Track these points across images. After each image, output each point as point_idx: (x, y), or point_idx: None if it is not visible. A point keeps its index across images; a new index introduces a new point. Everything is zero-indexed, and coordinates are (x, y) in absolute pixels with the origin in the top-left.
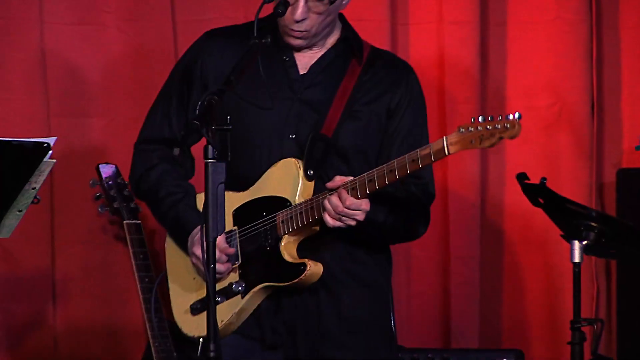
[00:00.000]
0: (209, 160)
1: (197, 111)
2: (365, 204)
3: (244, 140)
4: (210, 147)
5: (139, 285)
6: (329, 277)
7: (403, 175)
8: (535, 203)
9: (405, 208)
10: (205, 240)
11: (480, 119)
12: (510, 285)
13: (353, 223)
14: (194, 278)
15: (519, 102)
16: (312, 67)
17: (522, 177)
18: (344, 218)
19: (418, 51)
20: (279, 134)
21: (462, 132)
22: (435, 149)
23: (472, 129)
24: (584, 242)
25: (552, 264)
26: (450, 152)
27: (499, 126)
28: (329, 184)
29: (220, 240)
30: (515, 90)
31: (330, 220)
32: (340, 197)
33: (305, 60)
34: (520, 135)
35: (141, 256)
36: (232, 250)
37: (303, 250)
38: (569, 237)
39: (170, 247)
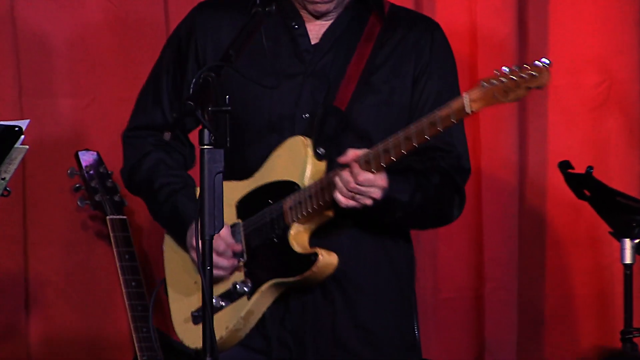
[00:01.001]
0: (205, 147)
1: (192, 90)
2: (381, 180)
3: (251, 126)
4: (206, 131)
5: (124, 291)
6: (345, 278)
7: (422, 141)
8: (581, 196)
9: (434, 185)
10: (201, 239)
11: (504, 69)
12: (553, 291)
13: (369, 202)
14: (195, 282)
15: (561, 80)
16: (325, 35)
17: (565, 166)
18: (357, 196)
19: (446, 21)
20: (290, 115)
21: (485, 86)
22: (455, 107)
23: (496, 82)
24: (636, 241)
25: (601, 266)
26: (473, 109)
27: (525, 75)
28: (341, 158)
29: (226, 233)
30: (558, 66)
31: (342, 199)
32: (351, 172)
33: (316, 29)
34: (563, 117)
35: (127, 257)
36: (239, 248)
37: (317, 241)
38: (618, 235)
39: (169, 248)
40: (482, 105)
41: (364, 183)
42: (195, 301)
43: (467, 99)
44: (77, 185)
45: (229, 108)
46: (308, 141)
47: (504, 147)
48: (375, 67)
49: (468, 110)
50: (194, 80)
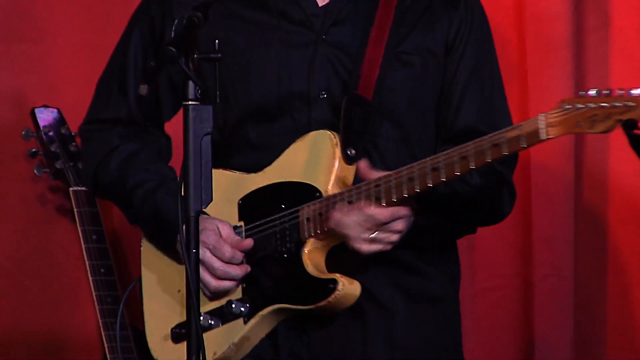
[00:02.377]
0: (190, 102)
1: (173, 33)
2: (404, 209)
3: (254, 98)
4: (190, 83)
5: (91, 279)
6: (378, 290)
7: (480, 165)
8: None
9: (474, 187)
10: (185, 216)
11: (592, 92)
12: (616, 281)
13: (395, 238)
14: (179, 291)
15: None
16: None
17: (630, 125)
18: (379, 237)
19: None
20: (303, 92)
21: (568, 108)
22: (527, 130)
23: (582, 106)
24: None
25: None
26: (549, 135)
27: (619, 104)
28: (361, 170)
29: (229, 231)
30: (619, 44)
31: (363, 247)
32: (367, 218)
33: None
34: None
35: (94, 237)
36: (248, 243)
37: (334, 259)
38: None
39: (148, 250)
40: (562, 132)
41: (386, 221)
42: (177, 315)
43: (544, 122)
44: (34, 150)
45: (219, 55)
46: (337, 139)
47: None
48: (401, 33)
49: (543, 136)
50: (176, 21)
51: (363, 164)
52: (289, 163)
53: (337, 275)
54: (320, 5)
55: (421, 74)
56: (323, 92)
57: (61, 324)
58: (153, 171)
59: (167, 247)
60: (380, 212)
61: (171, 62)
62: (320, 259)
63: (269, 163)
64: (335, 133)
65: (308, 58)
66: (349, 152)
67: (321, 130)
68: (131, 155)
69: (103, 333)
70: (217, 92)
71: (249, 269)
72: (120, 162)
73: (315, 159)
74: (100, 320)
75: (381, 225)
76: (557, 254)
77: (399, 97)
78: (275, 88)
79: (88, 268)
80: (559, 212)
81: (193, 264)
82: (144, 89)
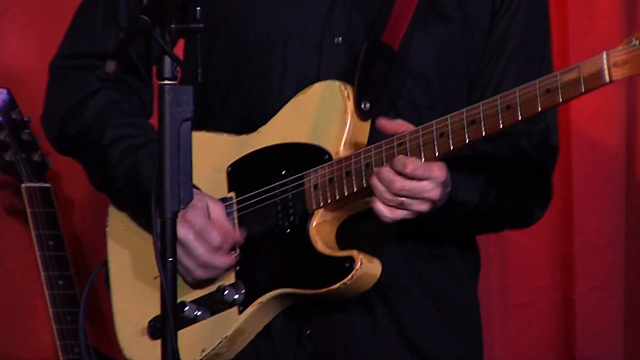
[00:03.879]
0: (166, 82)
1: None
2: (438, 169)
3: (252, 47)
4: (167, 59)
5: (47, 293)
6: (389, 284)
7: (528, 115)
8: None
9: (513, 178)
10: (160, 217)
11: None
12: None
13: (424, 207)
14: (156, 277)
15: None
16: None
17: None
18: (407, 201)
19: None
20: (316, 38)
21: (635, 44)
22: (587, 71)
23: None
24: None
25: None
26: (615, 77)
27: None
28: (383, 123)
29: (220, 213)
30: None
31: (384, 211)
32: (394, 164)
33: None
34: None
35: (51, 243)
36: (239, 238)
37: (344, 236)
38: None
39: (118, 225)
40: (630, 73)
41: (416, 174)
42: (154, 306)
43: (606, 61)
44: None
45: (201, 26)
46: (349, 90)
47: (603, 95)
48: None
49: (607, 77)
50: None
51: (399, 120)
52: (290, 121)
53: (354, 252)
54: None
55: (460, 34)
56: (339, 37)
57: (10, 346)
58: (139, 126)
59: (143, 216)
60: (412, 162)
61: (143, 33)
62: (331, 234)
63: (265, 121)
64: (346, 84)
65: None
66: (362, 106)
67: (329, 81)
68: (114, 103)
69: (60, 357)
70: (200, 70)
71: (234, 260)
72: (100, 109)
73: (322, 115)
74: (57, 343)
75: (410, 184)
76: (604, 263)
77: (430, 56)
78: (283, 26)
79: (44, 280)
80: (606, 213)
81: (169, 276)
82: (111, 66)
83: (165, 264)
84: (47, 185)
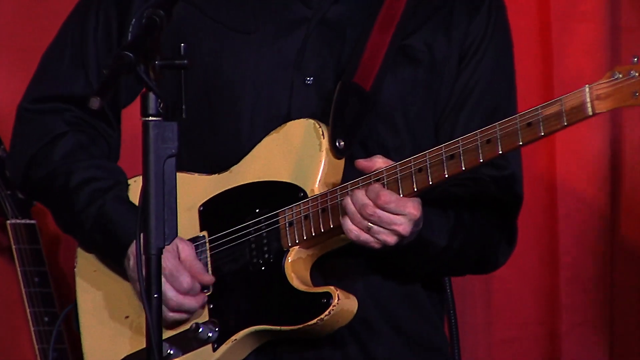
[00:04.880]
0: (150, 118)
1: (130, 35)
2: (412, 206)
3: (225, 90)
4: (151, 95)
5: (33, 329)
6: (361, 320)
7: (510, 149)
8: None
9: (480, 222)
10: (144, 254)
11: None
12: None
13: (391, 239)
14: (127, 317)
15: None
16: None
17: None
18: (376, 228)
19: None
20: (287, 80)
21: (618, 78)
22: (570, 104)
23: (636, 74)
24: None
25: None
26: (597, 110)
27: None
28: (362, 163)
29: (190, 254)
30: None
31: (353, 230)
32: (368, 192)
33: None
34: None
35: (37, 279)
36: (209, 279)
37: (315, 273)
38: None
39: (85, 266)
40: (612, 106)
41: (388, 207)
42: (125, 345)
43: (589, 95)
44: None
45: (185, 62)
46: (323, 128)
47: (587, 132)
48: (412, 26)
49: (589, 111)
50: (133, 20)
51: (378, 157)
52: (264, 159)
53: (331, 288)
54: None
55: (428, 76)
56: (310, 78)
57: None
58: (107, 169)
59: (113, 260)
60: (385, 194)
61: (128, 70)
62: (306, 271)
63: (237, 161)
64: (320, 122)
65: (300, 37)
66: (337, 144)
67: (303, 119)
68: (81, 146)
69: None
70: (184, 107)
71: (206, 299)
72: (67, 151)
73: (297, 153)
74: None
75: (381, 214)
76: (589, 299)
77: (398, 100)
78: (254, 66)
79: (29, 316)
80: (592, 247)
81: (155, 313)
82: (95, 102)
83: (151, 300)
84: (32, 221)
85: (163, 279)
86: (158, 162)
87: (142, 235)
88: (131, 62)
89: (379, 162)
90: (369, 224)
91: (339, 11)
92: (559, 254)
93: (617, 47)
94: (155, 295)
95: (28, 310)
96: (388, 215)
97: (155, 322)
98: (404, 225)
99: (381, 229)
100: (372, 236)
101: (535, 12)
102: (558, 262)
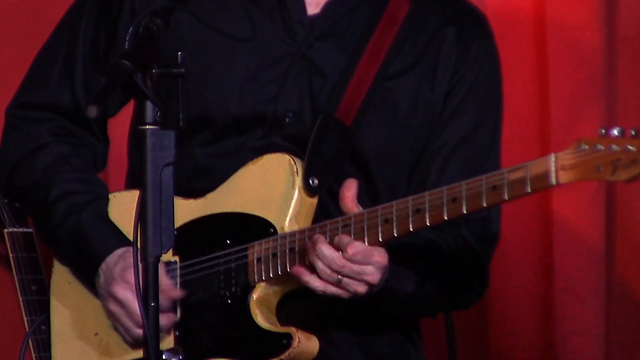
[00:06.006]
0: (148, 127)
1: (127, 44)
2: (379, 255)
3: (206, 115)
4: (149, 104)
5: (31, 339)
6: (336, 350)
7: (474, 210)
8: None
9: (450, 268)
10: (141, 262)
11: (615, 131)
12: None
13: (362, 289)
14: (96, 334)
15: None
16: (330, 6)
17: None
18: (346, 280)
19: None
20: (266, 112)
21: (584, 149)
22: (534, 172)
23: (602, 148)
24: None
25: None
26: (561, 181)
27: None
28: (347, 195)
29: (160, 271)
30: None
31: (319, 285)
32: (335, 244)
33: None
34: None
35: (34, 288)
36: (177, 294)
37: (285, 309)
38: None
39: (60, 279)
40: (576, 178)
41: (356, 258)
42: None
43: (554, 164)
44: None
45: (182, 70)
46: (298, 165)
47: None
48: (395, 68)
49: (553, 180)
50: (130, 29)
51: (350, 191)
52: (238, 190)
53: (292, 330)
54: (309, 14)
55: (406, 121)
56: (290, 114)
57: None
58: (86, 183)
59: (85, 277)
60: (353, 246)
61: (125, 78)
62: (271, 308)
63: (213, 189)
64: (296, 158)
65: (281, 73)
66: (311, 182)
67: (279, 154)
68: (63, 157)
69: None
70: (181, 115)
71: (175, 318)
72: (48, 163)
73: (270, 188)
74: None
75: (351, 265)
76: (585, 309)
77: (372, 142)
78: (235, 103)
79: (27, 325)
80: (587, 257)
81: (152, 319)
82: (93, 111)
83: (148, 309)
84: (30, 230)
85: (131, 295)
86: (155, 170)
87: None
88: (129, 70)
89: (353, 207)
90: (339, 276)
91: (323, 47)
92: (554, 263)
93: (615, 55)
94: (152, 304)
95: (25, 319)
96: (358, 266)
97: (153, 331)
98: (373, 275)
99: (351, 280)
100: (342, 288)
101: (531, 20)
102: (553, 271)
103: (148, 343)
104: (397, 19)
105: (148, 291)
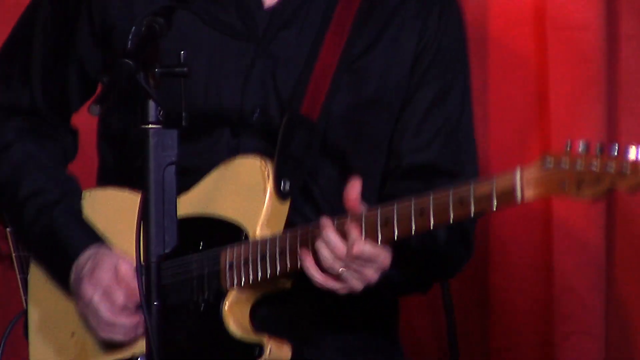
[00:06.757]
0: (151, 126)
1: (130, 43)
2: (385, 256)
3: (174, 110)
4: (151, 103)
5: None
6: (311, 348)
7: (441, 223)
8: None
9: (439, 246)
10: (144, 262)
11: (580, 147)
12: None
13: (359, 286)
14: (73, 333)
15: None
16: None
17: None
18: (346, 275)
19: None
20: (233, 109)
21: (549, 166)
22: (500, 187)
23: (566, 165)
24: None
25: None
26: (526, 197)
27: (612, 168)
28: (350, 201)
29: (128, 270)
30: None
31: (320, 278)
32: (347, 235)
33: None
34: None
35: None
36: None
37: (261, 312)
38: None
39: (38, 275)
40: (541, 194)
41: (362, 257)
42: None
43: (519, 180)
44: None
45: (185, 69)
46: (269, 168)
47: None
48: (359, 48)
49: (518, 196)
50: (133, 28)
51: (355, 191)
52: (210, 193)
53: (264, 339)
54: (266, 6)
55: (376, 100)
56: (257, 111)
57: None
58: (54, 179)
59: (59, 277)
60: (367, 244)
61: (127, 77)
62: (245, 313)
63: (186, 190)
64: (266, 161)
65: (243, 70)
66: (282, 187)
67: (250, 158)
68: (29, 156)
69: None
70: (184, 114)
71: (140, 321)
72: (15, 162)
73: (242, 193)
74: None
75: (356, 264)
76: (584, 308)
77: (343, 131)
78: (201, 102)
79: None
80: (587, 256)
81: (154, 320)
82: (95, 109)
83: (150, 308)
84: None
85: (97, 297)
86: (158, 169)
87: (141, 243)
88: (130, 69)
89: (356, 202)
90: (340, 269)
91: (284, 38)
92: (554, 263)
93: (616, 55)
94: (155, 304)
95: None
96: (360, 266)
97: (154, 330)
98: (373, 275)
99: (352, 275)
100: (342, 281)
101: (531, 20)
102: (553, 271)
103: (150, 344)
104: None
105: (149, 291)
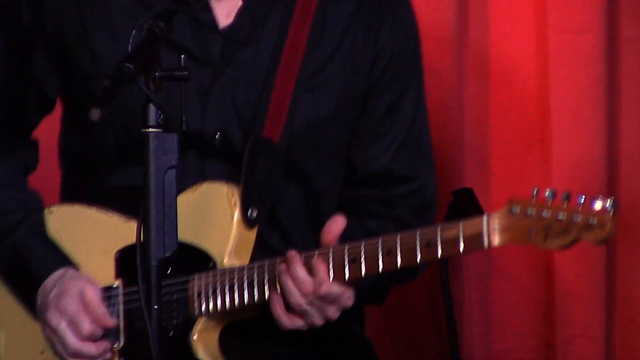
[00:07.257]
0: (151, 130)
1: (130, 47)
2: (349, 295)
3: (130, 146)
4: (152, 107)
5: None
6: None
7: (409, 263)
8: None
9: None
10: (144, 265)
11: (547, 193)
12: None
13: (320, 323)
14: (42, 352)
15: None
16: (242, 15)
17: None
18: (310, 311)
19: None
20: (194, 135)
21: (516, 213)
22: (468, 233)
23: (533, 213)
24: None
25: None
26: (493, 244)
27: (578, 219)
28: (329, 237)
29: (94, 296)
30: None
31: (286, 320)
32: (315, 272)
33: (229, 3)
34: None
35: None
36: (111, 323)
37: (229, 338)
38: None
39: (5, 298)
40: (508, 241)
41: (329, 297)
42: None
43: (487, 227)
44: None
45: (186, 73)
46: (236, 196)
47: (584, 142)
48: (316, 64)
49: (485, 242)
50: (133, 32)
51: (337, 228)
52: (178, 218)
53: None
54: (221, 26)
55: (338, 113)
56: (217, 134)
57: None
58: (16, 199)
59: (25, 300)
60: (330, 286)
61: (128, 81)
62: (214, 339)
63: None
64: (233, 188)
65: (203, 94)
66: (249, 214)
67: (216, 184)
68: None
69: None
70: (184, 118)
71: (107, 347)
72: None
73: (209, 220)
74: None
75: (320, 300)
76: (585, 312)
77: (307, 150)
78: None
79: None
80: (588, 259)
81: (154, 324)
82: (95, 114)
83: (151, 312)
84: None
85: (63, 324)
86: (158, 173)
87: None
88: (131, 73)
89: (333, 233)
90: (306, 306)
91: (242, 59)
92: (554, 264)
93: (616, 58)
94: (156, 307)
95: None
96: (326, 305)
97: (156, 343)
98: (335, 313)
99: (315, 313)
100: (305, 318)
101: (532, 23)
102: (553, 273)
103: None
104: (309, 11)
105: (151, 296)
